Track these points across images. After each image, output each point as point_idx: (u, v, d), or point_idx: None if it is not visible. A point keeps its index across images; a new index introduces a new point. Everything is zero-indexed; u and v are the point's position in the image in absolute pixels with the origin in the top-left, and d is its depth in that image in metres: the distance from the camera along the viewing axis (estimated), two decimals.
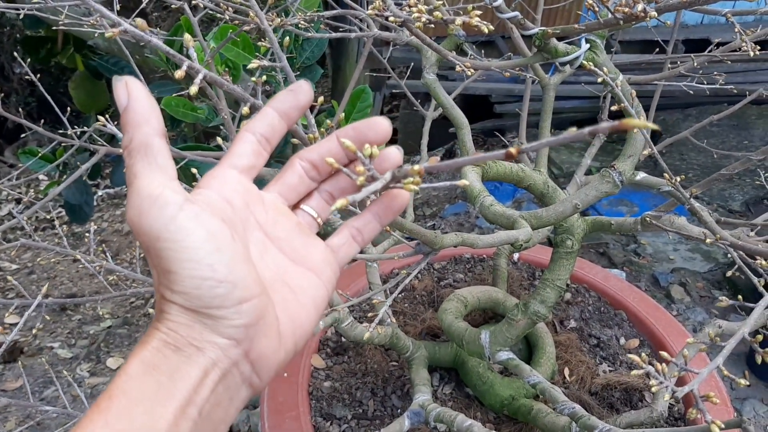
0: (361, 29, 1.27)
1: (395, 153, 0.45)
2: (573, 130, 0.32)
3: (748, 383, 0.64)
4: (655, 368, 0.58)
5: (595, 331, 1.55)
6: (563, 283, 1.18)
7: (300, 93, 0.47)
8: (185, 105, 2.21)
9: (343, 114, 2.09)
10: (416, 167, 0.38)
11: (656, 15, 0.69)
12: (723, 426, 0.56)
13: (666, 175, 0.80)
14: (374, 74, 3.15)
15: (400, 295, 1.61)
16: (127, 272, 1.12)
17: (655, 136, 3.73)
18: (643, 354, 0.60)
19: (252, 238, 0.44)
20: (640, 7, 0.67)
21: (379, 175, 0.41)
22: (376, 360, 1.43)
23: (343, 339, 1.50)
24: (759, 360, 0.63)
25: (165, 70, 2.49)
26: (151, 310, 3.47)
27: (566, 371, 1.43)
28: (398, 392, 1.38)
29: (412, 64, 2.67)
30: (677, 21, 1.59)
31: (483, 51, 3.47)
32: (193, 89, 0.49)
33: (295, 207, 0.49)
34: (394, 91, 4.01)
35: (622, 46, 3.85)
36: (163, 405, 0.36)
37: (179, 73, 0.47)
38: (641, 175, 1.01)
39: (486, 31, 0.61)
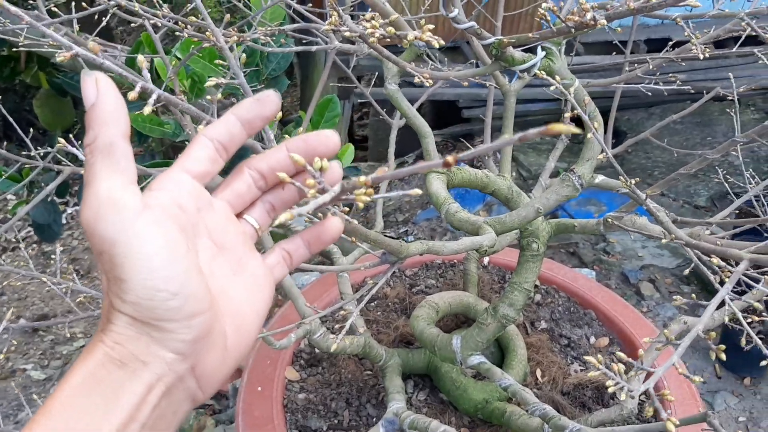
0: (324, 41, 1.28)
1: (337, 167, 0.45)
2: (505, 137, 0.33)
3: (704, 380, 0.66)
4: (611, 369, 0.60)
5: (565, 331, 1.57)
6: (531, 286, 1.19)
7: (267, 103, 0.46)
8: (152, 120, 2.20)
9: (311, 124, 2.09)
10: (362, 179, 0.39)
11: (606, 23, 0.71)
12: (677, 423, 0.57)
13: (621, 178, 0.81)
14: (341, 84, 3.16)
15: (372, 304, 1.61)
16: (94, 292, 1.11)
17: (620, 135, 3.80)
18: (599, 356, 0.62)
19: (201, 245, 0.43)
20: (589, 15, 0.68)
21: (329, 187, 0.41)
22: (350, 370, 1.43)
23: (317, 350, 1.50)
24: (713, 356, 0.64)
25: (128, 87, 2.48)
26: None
27: (538, 372, 1.45)
28: (373, 401, 1.38)
29: (377, 73, 2.68)
30: (634, 23, 1.63)
31: (447, 58, 3.50)
32: (147, 109, 0.49)
33: (238, 215, 0.48)
34: (361, 100, 4.03)
35: (586, 48, 3.92)
36: (106, 421, 0.36)
37: (132, 95, 0.48)
38: (600, 178, 1.03)
39: (437, 46, 0.62)
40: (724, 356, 0.65)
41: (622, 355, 0.60)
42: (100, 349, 0.37)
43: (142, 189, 0.41)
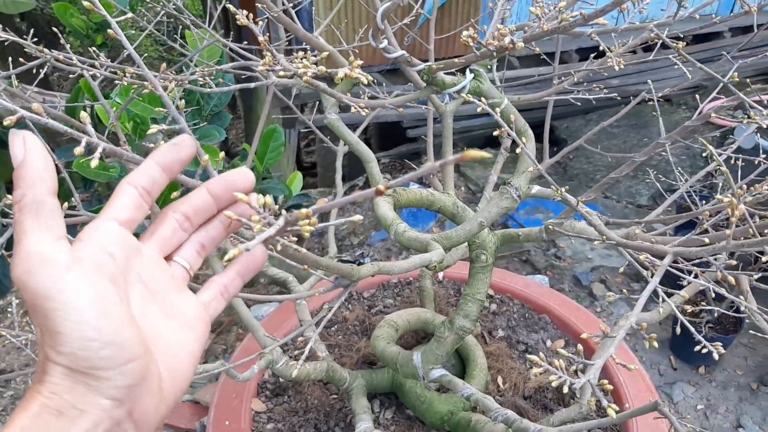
0: (263, 78, 1.31)
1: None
2: (428, 165, 0.37)
3: (635, 367, 0.71)
4: (553, 365, 0.64)
5: (522, 337, 1.61)
6: (483, 296, 1.24)
7: (183, 147, 0.48)
8: (97, 165, 2.19)
9: (256, 155, 2.11)
10: (303, 211, 0.42)
11: (523, 45, 0.76)
12: (617, 409, 0.61)
13: (552, 187, 0.86)
14: (285, 114, 3.19)
15: (333, 328, 1.64)
16: None
17: (561, 143, 3.92)
18: (541, 354, 0.65)
19: (133, 292, 0.44)
20: (507, 39, 0.73)
21: (274, 221, 0.44)
22: (316, 396, 1.45)
23: (281, 380, 1.51)
24: (647, 345, 0.69)
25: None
26: None
27: (499, 379, 1.49)
28: (341, 424, 1.40)
29: (319, 100, 2.72)
30: (559, 38, 1.70)
31: (387, 80, 3.56)
32: (93, 163, 0.51)
33: (167, 258, 0.49)
34: (306, 129, 4.06)
35: (520, 61, 4.04)
36: None
37: (78, 150, 0.50)
38: (536, 188, 1.08)
39: (365, 82, 0.66)
40: (656, 344, 0.70)
41: (563, 351, 0.64)
42: (37, 400, 0.38)
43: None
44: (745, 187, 0.76)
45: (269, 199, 0.48)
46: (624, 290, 2.74)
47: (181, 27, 2.45)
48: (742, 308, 1.00)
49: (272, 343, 1.24)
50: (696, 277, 0.77)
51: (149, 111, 2.00)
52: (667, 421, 1.06)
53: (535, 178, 1.15)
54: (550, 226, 1.16)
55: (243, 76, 1.46)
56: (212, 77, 1.18)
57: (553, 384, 0.63)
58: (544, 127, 1.53)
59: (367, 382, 1.39)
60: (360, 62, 0.64)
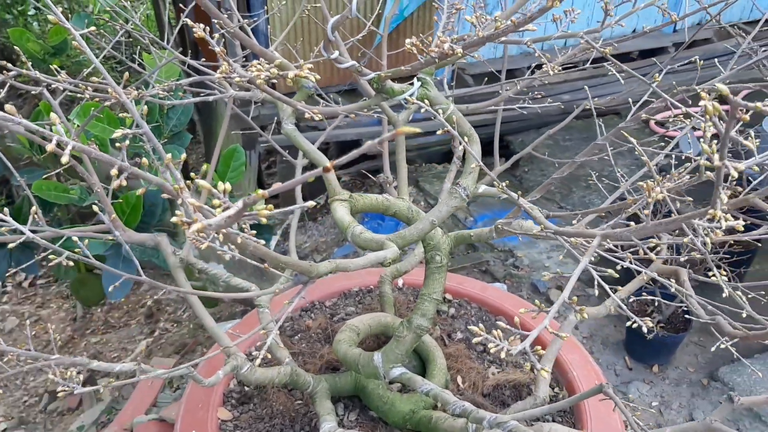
0: (221, 92, 1.36)
1: None
2: (368, 143, 0.42)
3: (566, 336, 0.77)
4: (493, 335, 0.69)
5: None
6: (439, 296, 1.29)
7: None
8: (56, 188, 2.20)
9: (216, 174, 2.14)
10: (260, 191, 0.47)
11: (462, 52, 0.83)
12: (550, 371, 0.67)
13: (495, 183, 0.93)
14: (244, 133, 3.22)
15: (296, 337, 1.67)
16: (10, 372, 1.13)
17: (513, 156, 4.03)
18: (480, 325, 0.71)
19: None
20: (446, 46, 0.80)
21: (232, 205, 0.49)
22: (281, 402, 1.48)
23: (246, 388, 1.54)
24: (579, 318, 0.75)
25: (30, 156, 2.46)
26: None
27: (459, 379, 1.54)
28: (306, 428, 1.43)
29: (276, 119, 2.77)
30: (505, 54, 1.79)
31: (344, 100, 3.63)
32: (64, 159, 0.56)
33: None
34: (268, 148, 4.10)
35: (474, 78, 4.15)
36: None
37: (50, 147, 0.54)
38: (483, 188, 1.15)
39: (313, 80, 0.71)
40: (586, 315, 0.76)
41: (502, 324, 0.70)
42: None
43: None
44: (664, 175, 0.83)
45: (228, 186, 0.53)
46: (577, 295, 2.84)
47: (138, 49, 2.48)
48: (676, 293, 1.08)
49: (236, 349, 1.28)
50: (636, 268, 0.84)
51: (109, 132, 2.02)
52: (619, 413, 1.13)
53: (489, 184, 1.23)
54: (500, 226, 1.22)
55: (202, 94, 1.50)
56: (171, 92, 1.22)
57: (492, 351, 0.68)
58: (494, 136, 1.61)
59: (331, 385, 1.43)
60: (309, 65, 0.70)
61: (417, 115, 4.38)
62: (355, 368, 1.36)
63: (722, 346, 1.11)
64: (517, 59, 4.24)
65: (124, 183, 0.77)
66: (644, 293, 2.50)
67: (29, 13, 5.61)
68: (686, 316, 2.34)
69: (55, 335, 4.06)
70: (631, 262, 0.91)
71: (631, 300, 1.65)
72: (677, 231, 1.33)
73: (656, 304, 2.43)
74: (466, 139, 0.90)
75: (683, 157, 1.34)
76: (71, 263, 2.67)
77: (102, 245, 2.32)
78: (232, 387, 1.55)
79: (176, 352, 3.35)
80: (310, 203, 0.54)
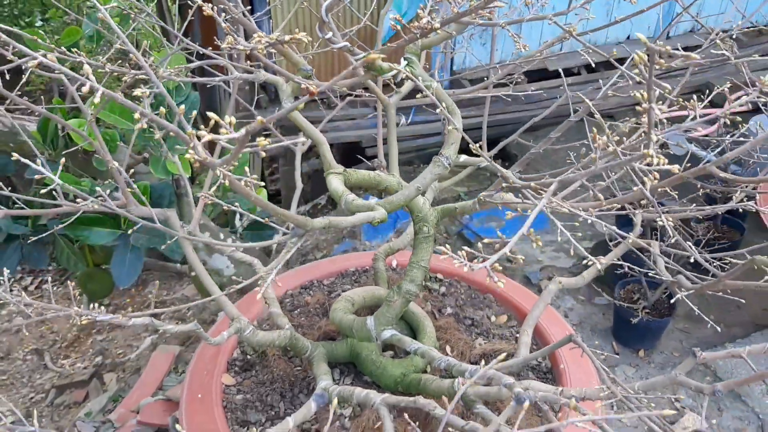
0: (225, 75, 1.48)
1: None
2: (307, 96, 0.53)
3: (503, 282, 0.87)
4: (460, 256, 0.79)
5: (468, 313, 1.78)
6: (427, 264, 1.40)
7: None
8: (69, 179, 2.31)
9: None
10: (259, 118, 0.58)
11: (439, 26, 0.94)
12: (500, 268, 0.77)
13: (471, 146, 1.04)
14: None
15: (296, 311, 1.78)
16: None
17: (512, 158, 4.14)
18: (447, 245, 0.82)
19: None
20: (425, 20, 0.91)
21: (235, 134, 0.60)
22: (281, 368, 1.58)
23: (249, 357, 1.64)
24: (536, 246, 0.86)
25: (42, 151, 2.58)
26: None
27: (448, 348, 1.65)
28: (305, 391, 1.54)
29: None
30: (493, 51, 1.90)
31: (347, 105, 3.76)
32: (97, 99, 0.67)
33: None
34: (270, 155, 4.23)
35: (472, 83, 4.29)
36: None
37: (85, 89, 0.65)
38: (463, 158, 1.26)
39: (306, 41, 0.82)
40: (540, 243, 0.86)
41: (466, 248, 0.80)
42: None
43: None
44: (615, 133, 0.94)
45: (233, 119, 0.64)
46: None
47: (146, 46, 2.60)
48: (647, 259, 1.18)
49: (239, 314, 1.39)
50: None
51: (122, 123, 2.14)
52: (597, 376, 1.23)
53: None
54: (482, 198, 1.33)
55: (207, 86, 1.62)
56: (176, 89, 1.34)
57: (456, 266, 0.79)
58: (482, 124, 1.72)
59: (328, 351, 1.53)
60: (302, 33, 0.81)
61: (416, 117, 4.51)
62: (349, 332, 1.47)
63: (680, 298, 1.21)
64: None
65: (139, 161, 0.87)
66: (631, 284, 2.62)
67: (36, 24, 5.78)
68: (671, 301, 2.44)
69: (62, 335, 4.18)
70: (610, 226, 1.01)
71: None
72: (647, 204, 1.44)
73: (642, 291, 2.54)
74: (446, 108, 1.01)
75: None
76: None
77: (109, 234, 2.44)
78: (235, 356, 1.65)
79: (180, 344, 3.46)
80: (301, 139, 0.65)
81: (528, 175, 1.19)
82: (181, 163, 2.22)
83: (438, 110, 1.13)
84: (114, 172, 1.38)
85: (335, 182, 1.27)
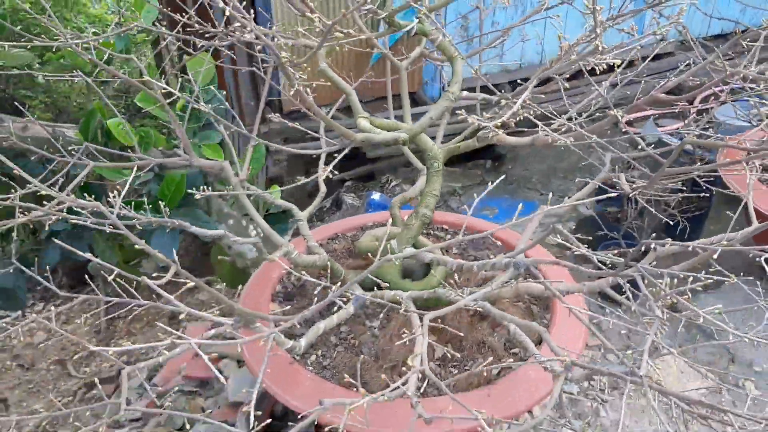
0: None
1: None
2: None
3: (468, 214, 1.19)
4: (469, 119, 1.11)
5: (471, 253, 2.09)
6: (438, 192, 1.72)
7: None
8: (113, 170, 2.63)
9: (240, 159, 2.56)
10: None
11: None
12: (470, 213, 1.08)
13: (473, 92, 1.36)
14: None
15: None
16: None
17: (501, 157, 4.48)
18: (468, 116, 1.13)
19: None
20: None
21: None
22: (320, 296, 1.88)
23: (289, 290, 1.94)
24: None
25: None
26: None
27: (456, 276, 1.95)
28: None
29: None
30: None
31: (371, 109, 4.11)
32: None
33: None
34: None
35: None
36: None
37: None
38: (464, 93, 1.59)
39: (315, 21, 1.14)
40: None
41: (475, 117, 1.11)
42: None
43: None
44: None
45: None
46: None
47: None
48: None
49: (286, 241, 1.69)
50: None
51: (163, 116, 2.47)
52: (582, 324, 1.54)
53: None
54: (481, 134, 1.66)
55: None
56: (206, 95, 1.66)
57: (474, 123, 1.10)
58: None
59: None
60: (315, 16, 1.13)
61: None
62: (374, 254, 1.77)
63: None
64: (499, 75, 4.74)
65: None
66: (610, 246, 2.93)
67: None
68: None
69: (82, 345, 4.44)
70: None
71: None
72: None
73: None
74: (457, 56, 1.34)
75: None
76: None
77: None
78: (278, 289, 1.95)
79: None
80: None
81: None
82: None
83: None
84: (180, 133, 1.69)
85: (363, 122, 1.58)
